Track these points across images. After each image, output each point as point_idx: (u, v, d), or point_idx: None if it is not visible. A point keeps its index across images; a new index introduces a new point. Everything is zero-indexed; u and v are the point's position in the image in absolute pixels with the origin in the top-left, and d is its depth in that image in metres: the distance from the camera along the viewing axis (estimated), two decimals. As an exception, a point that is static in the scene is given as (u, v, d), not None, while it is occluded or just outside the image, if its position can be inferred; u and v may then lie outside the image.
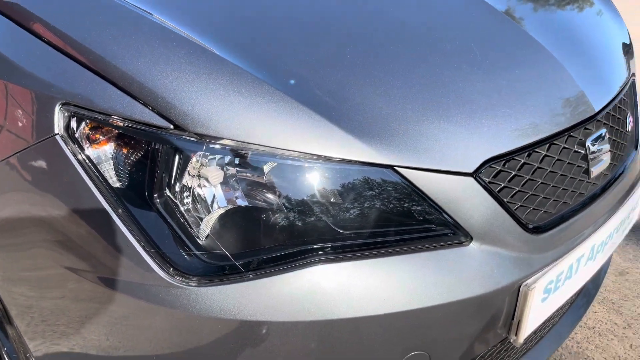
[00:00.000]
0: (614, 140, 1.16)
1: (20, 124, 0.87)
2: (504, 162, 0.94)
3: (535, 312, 1.01)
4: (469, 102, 0.95)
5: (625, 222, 1.25)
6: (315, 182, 0.84)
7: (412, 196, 0.87)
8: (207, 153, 0.81)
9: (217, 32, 0.91)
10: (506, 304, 0.98)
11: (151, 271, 0.81)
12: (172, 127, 0.80)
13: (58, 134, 0.83)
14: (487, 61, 1.04)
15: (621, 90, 1.21)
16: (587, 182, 1.09)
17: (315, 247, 0.85)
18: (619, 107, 1.20)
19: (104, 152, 0.84)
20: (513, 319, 1.00)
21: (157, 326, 0.84)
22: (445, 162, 0.89)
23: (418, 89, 0.93)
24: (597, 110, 1.08)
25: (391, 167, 0.85)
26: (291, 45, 0.94)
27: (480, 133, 0.93)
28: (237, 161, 0.82)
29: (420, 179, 0.87)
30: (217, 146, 0.81)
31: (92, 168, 0.82)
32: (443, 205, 0.89)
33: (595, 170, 1.09)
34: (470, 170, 0.90)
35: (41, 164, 0.86)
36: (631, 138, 1.27)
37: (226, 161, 0.82)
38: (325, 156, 0.82)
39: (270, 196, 0.83)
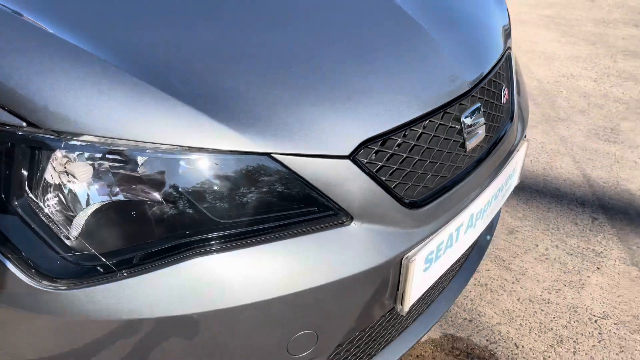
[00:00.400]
0: (489, 113, 1.24)
1: None
2: (381, 142, 0.98)
3: (419, 281, 1.08)
4: (346, 85, 0.97)
5: (503, 188, 1.36)
6: (190, 174, 0.84)
7: (291, 182, 0.89)
8: (67, 150, 0.77)
9: (72, 20, 0.86)
10: (390, 277, 1.04)
11: (16, 278, 0.77)
12: (24, 124, 0.76)
13: None
14: (365, 42, 1.06)
15: (496, 64, 1.29)
16: (464, 155, 1.16)
17: (194, 239, 0.85)
18: (494, 81, 1.28)
19: (-47, 153, 0.78)
20: (398, 290, 1.06)
21: (35, 331, 0.82)
22: (322, 146, 0.91)
23: (293, 74, 0.94)
24: (471, 86, 1.15)
25: (268, 154, 0.86)
26: (155, 33, 0.91)
27: (356, 115, 0.96)
28: (104, 156, 0.80)
29: (298, 165, 0.89)
30: (78, 142, 0.78)
31: (-64, 172, 0.76)
32: (322, 189, 0.91)
33: (471, 144, 1.16)
34: (347, 152, 0.93)
35: None
36: (507, 110, 1.36)
37: (93, 157, 0.80)
38: (197, 147, 0.82)
39: (143, 190, 0.82)
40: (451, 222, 1.13)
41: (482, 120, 1.19)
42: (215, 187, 0.85)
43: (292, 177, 0.89)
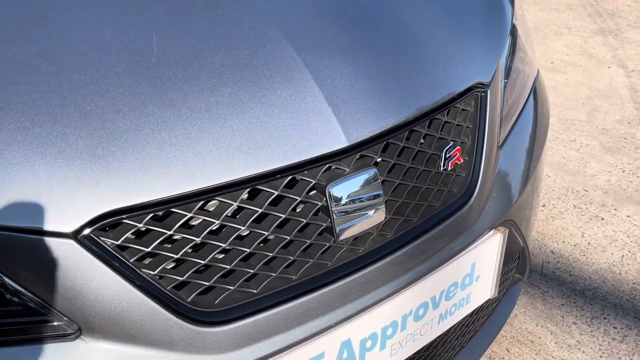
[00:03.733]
0: (400, 184, 0.97)
1: None
2: (151, 216, 0.78)
3: None
4: (105, 122, 0.80)
5: (440, 302, 1.05)
6: None
7: None
8: None
9: None
10: None
11: None
12: None
13: None
14: (161, 66, 0.88)
15: (432, 111, 1.01)
16: (334, 246, 0.91)
17: None
18: (427, 134, 1.00)
19: None
20: None
21: None
22: (26, 216, 0.74)
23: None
24: (351, 143, 0.91)
25: None
26: None
27: (109, 171, 0.78)
28: None
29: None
30: None
31: None
32: (20, 279, 0.74)
33: (346, 230, 0.90)
34: (70, 229, 0.75)
35: None
36: (457, 181, 1.06)
37: None
38: None
39: None
40: (292, 350, 0.87)
41: (378, 194, 0.93)
42: None
43: None
